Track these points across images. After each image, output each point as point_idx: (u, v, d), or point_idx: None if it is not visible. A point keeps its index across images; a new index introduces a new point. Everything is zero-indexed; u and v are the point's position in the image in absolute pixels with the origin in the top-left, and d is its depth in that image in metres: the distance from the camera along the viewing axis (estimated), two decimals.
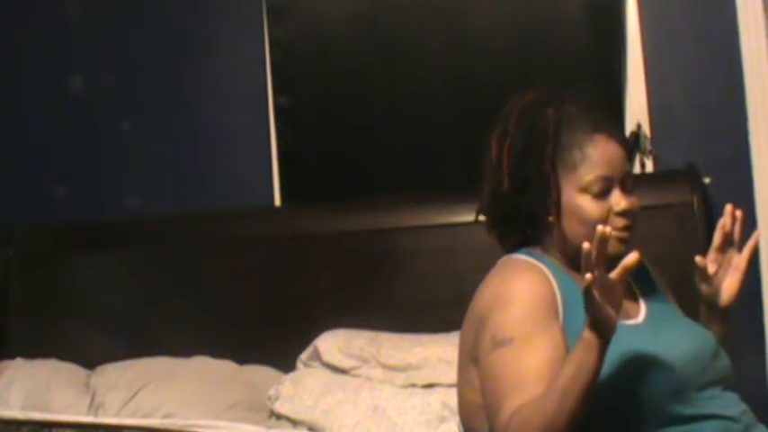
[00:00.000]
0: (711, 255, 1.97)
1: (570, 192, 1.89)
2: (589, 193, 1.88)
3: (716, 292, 1.97)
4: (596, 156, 1.89)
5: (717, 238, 1.98)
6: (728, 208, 1.98)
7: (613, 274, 1.66)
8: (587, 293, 1.63)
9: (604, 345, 1.66)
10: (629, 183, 1.92)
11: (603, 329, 1.66)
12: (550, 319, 1.81)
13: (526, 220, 1.94)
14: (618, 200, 1.89)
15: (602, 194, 1.88)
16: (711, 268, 1.95)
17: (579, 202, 1.89)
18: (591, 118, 1.93)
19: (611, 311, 1.65)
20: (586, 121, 1.92)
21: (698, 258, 1.94)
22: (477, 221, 2.03)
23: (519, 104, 1.98)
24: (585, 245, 1.64)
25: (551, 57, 3.26)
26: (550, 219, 1.90)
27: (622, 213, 1.88)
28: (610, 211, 1.88)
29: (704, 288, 1.97)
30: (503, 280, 1.89)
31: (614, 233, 1.87)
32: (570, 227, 1.90)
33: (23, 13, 3.77)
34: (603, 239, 1.65)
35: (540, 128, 1.92)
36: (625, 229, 1.89)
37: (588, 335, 1.66)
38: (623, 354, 1.78)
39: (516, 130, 1.94)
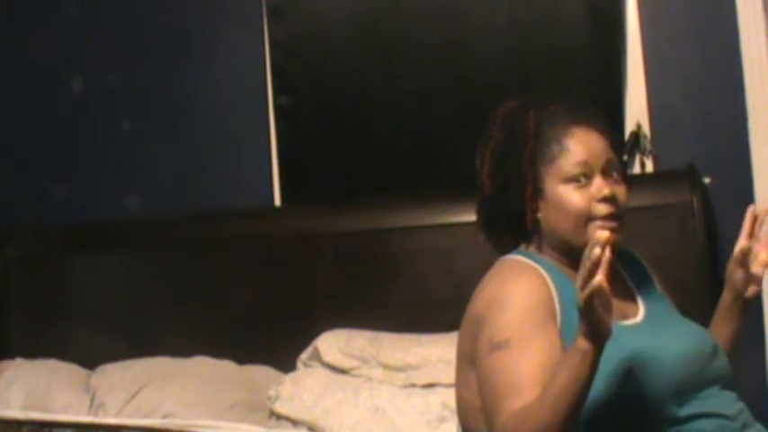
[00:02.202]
0: (743, 241, 1.96)
1: (553, 185, 1.89)
2: (571, 183, 1.88)
3: (744, 283, 1.98)
4: (573, 145, 1.89)
5: (747, 224, 1.96)
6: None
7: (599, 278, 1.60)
8: (588, 304, 1.61)
9: (599, 353, 1.65)
10: (612, 171, 1.91)
11: (599, 338, 1.64)
12: (547, 321, 1.81)
13: (512, 221, 1.94)
14: (599, 186, 1.88)
15: (584, 182, 1.88)
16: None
17: (562, 193, 1.89)
18: (572, 113, 1.93)
19: (607, 319, 1.64)
20: (566, 117, 1.92)
21: (743, 242, 1.94)
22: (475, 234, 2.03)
23: (503, 110, 1.99)
24: (596, 250, 1.59)
25: (551, 57, 3.26)
26: (538, 215, 1.90)
27: (605, 200, 1.87)
28: (592, 198, 1.87)
29: (738, 276, 1.97)
30: (500, 282, 1.89)
31: (599, 222, 1.87)
32: (556, 219, 1.90)
33: (24, 14, 3.78)
34: (605, 243, 1.61)
35: (521, 129, 1.93)
36: (610, 217, 1.87)
37: (583, 343, 1.64)
38: (621, 353, 1.78)
39: (498, 135, 1.96)
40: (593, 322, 1.63)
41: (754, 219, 1.95)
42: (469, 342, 1.88)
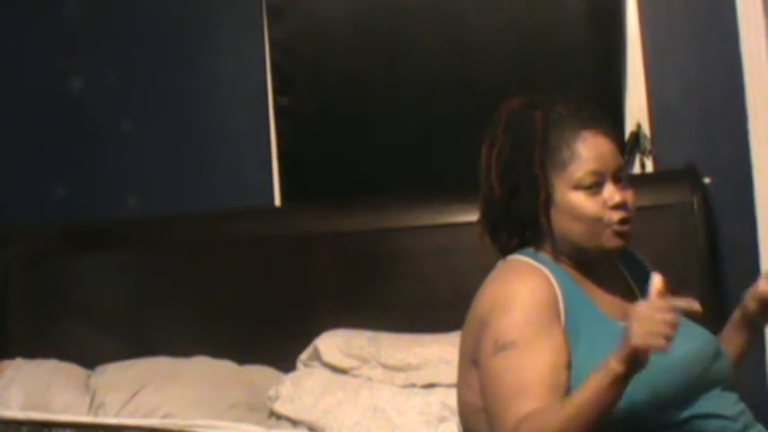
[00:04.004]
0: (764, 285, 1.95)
1: (563, 190, 1.89)
2: (582, 190, 1.88)
3: (753, 313, 1.98)
4: (585, 152, 1.88)
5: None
6: None
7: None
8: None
9: (630, 378, 1.65)
10: (622, 176, 1.92)
11: (637, 366, 1.65)
12: (553, 322, 1.81)
13: (520, 224, 1.94)
14: (611, 193, 1.88)
15: (595, 189, 1.88)
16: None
17: (573, 199, 1.88)
18: (579, 116, 1.92)
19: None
20: (574, 120, 1.91)
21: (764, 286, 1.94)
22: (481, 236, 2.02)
23: (507, 110, 1.98)
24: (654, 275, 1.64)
25: (551, 57, 3.26)
26: (542, 220, 1.90)
27: (617, 206, 1.88)
28: (604, 205, 1.88)
29: (751, 305, 1.97)
30: (504, 283, 1.89)
31: (614, 228, 1.87)
32: (566, 225, 1.89)
33: (23, 13, 3.77)
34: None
35: (528, 131, 1.92)
36: (622, 222, 1.88)
37: (619, 368, 1.64)
38: None
39: (504, 136, 1.94)
40: (639, 354, 1.63)
41: None
42: (473, 342, 1.87)
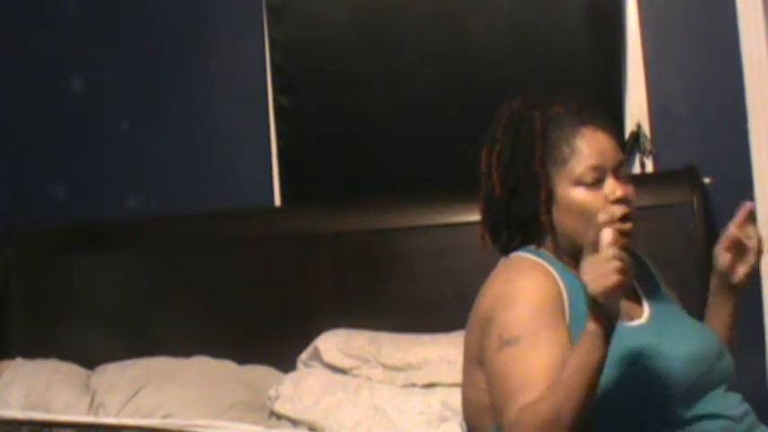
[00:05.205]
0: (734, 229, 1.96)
1: (564, 187, 1.89)
2: (582, 185, 1.88)
3: (729, 267, 1.99)
4: (585, 147, 1.89)
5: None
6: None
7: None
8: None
9: (609, 335, 1.66)
10: (622, 172, 1.92)
11: (609, 319, 1.65)
12: (557, 317, 1.81)
13: (521, 223, 1.94)
14: (612, 188, 1.88)
15: (596, 185, 1.88)
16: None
17: (574, 195, 1.89)
18: (578, 114, 1.93)
19: (617, 302, 1.65)
20: (573, 118, 1.92)
21: (734, 230, 1.95)
22: (483, 236, 2.02)
23: (506, 111, 1.99)
24: (603, 229, 1.65)
25: (551, 58, 3.25)
26: (543, 218, 1.90)
27: (618, 201, 1.87)
28: (605, 200, 1.87)
29: (724, 259, 1.98)
30: (508, 280, 1.89)
31: (614, 224, 1.87)
32: (568, 222, 1.90)
33: (23, 13, 3.78)
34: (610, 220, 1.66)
35: (528, 130, 1.92)
36: (624, 218, 1.87)
37: (593, 326, 1.65)
38: (627, 355, 1.78)
39: (504, 137, 1.95)
40: (605, 304, 1.64)
41: (748, 214, 1.96)
42: (477, 340, 1.88)
